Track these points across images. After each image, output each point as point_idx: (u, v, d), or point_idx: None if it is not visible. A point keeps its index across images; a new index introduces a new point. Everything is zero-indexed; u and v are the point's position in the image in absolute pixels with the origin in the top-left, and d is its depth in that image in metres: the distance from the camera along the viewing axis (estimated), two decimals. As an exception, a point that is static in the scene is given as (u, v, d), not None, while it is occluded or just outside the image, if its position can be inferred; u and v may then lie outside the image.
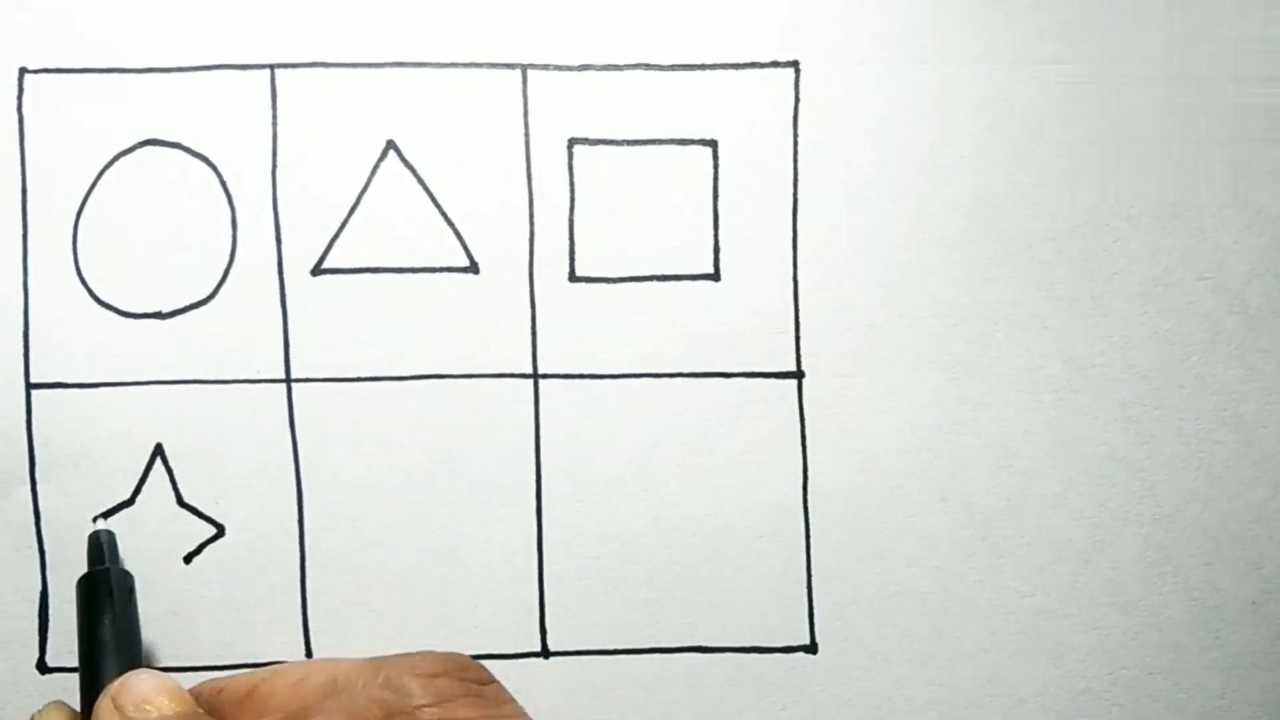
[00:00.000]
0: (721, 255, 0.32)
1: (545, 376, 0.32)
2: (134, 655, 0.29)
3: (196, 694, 0.28)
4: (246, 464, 0.32)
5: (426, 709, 0.26)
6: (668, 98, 0.32)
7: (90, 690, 0.28)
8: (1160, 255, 0.32)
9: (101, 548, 0.30)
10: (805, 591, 0.32)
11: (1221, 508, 0.32)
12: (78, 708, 0.29)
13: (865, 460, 0.32)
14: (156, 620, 0.31)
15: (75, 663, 0.31)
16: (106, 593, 0.29)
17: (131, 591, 0.30)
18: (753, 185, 0.32)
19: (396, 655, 0.29)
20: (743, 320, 0.32)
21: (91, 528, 0.31)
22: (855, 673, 0.32)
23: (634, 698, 0.32)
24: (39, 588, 0.31)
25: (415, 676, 0.27)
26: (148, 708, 0.27)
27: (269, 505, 0.32)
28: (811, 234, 0.32)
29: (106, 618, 0.29)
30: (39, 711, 0.29)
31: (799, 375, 0.32)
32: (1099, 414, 0.32)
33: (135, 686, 0.27)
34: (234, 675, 0.29)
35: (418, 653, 0.29)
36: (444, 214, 0.32)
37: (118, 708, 0.27)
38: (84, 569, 0.30)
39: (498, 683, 0.29)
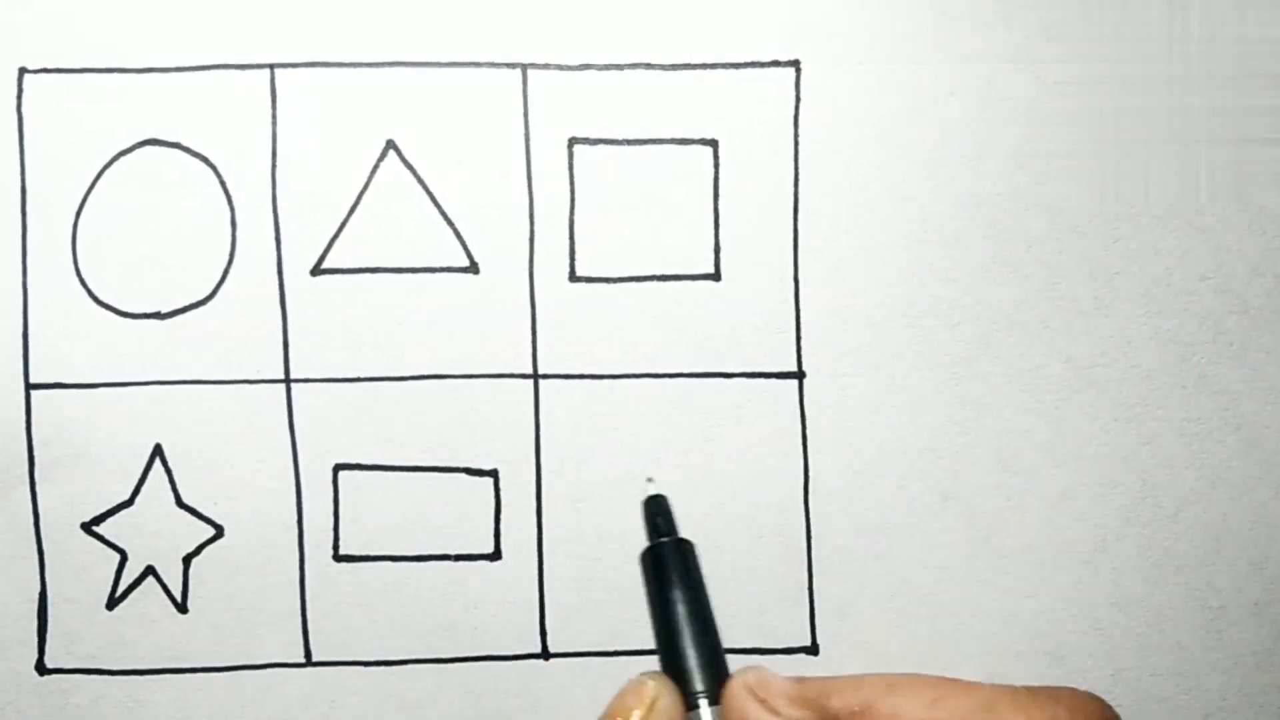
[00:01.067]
0: (722, 255, 0.32)
1: (545, 377, 0.32)
2: (712, 627, 0.29)
3: (802, 697, 0.27)
4: (246, 464, 0.32)
5: None
6: (668, 97, 0.32)
7: (675, 665, 0.28)
8: (1162, 255, 0.32)
9: (659, 516, 0.30)
10: (806, 592, 0.32)
11: (1223, 508, 0.32)
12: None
13: (866, 460, 0.32)
14: (154, 621, 0.32)
15: (75, 665, 0.32)
16: (679, 563, 0.29)
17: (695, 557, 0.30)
18: (753, 185, 0.32)
19: (1043, 689, 0.26)
20: (743, 320, 0.32)
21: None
22: (856, 673, 0.32)
23: (634, 699, 0.32)
24: (38, 588, 0.31)
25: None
26: (781, 703, 0.26)
27: (268, 506, 0.32)
28: (812, 234, 0.32)
29: (679, 590, 0.29)
30: (640, 682, 0.28)
31: (800, 375, 0.32)
32: (1100, 414, 0.32)
33: (771, 682, 0.27)
34: (836, 680, 0.27)
35: (1063, 689, 0.26)
36: (444, 214, 0.32)
37: (760, 700, 0.26)
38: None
39: None
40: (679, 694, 0.28)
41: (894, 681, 0.26)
